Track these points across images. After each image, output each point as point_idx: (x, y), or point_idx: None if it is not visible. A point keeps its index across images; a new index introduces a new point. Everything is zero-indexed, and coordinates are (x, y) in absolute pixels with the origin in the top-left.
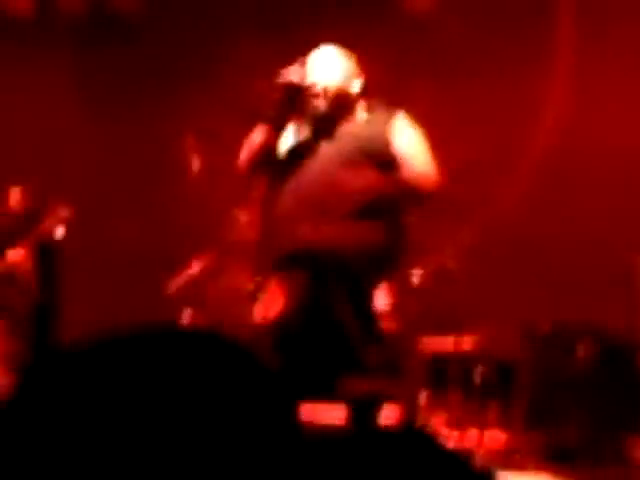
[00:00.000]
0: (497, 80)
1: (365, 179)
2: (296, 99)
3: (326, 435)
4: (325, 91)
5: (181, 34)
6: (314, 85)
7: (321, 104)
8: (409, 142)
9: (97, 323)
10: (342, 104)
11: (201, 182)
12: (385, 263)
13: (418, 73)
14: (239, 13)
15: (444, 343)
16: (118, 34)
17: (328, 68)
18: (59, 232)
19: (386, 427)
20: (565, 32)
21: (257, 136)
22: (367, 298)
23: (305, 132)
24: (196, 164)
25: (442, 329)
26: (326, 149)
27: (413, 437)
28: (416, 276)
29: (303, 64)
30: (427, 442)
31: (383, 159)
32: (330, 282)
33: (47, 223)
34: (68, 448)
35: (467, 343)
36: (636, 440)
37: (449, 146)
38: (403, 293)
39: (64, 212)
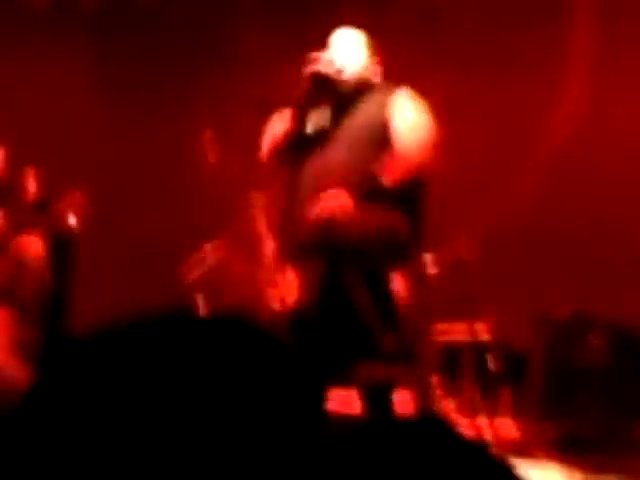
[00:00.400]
0: (514, 71)
1: (367, 164)
2: (323, 87)
3: (343, 422)
4: (351, 77)
5: (200, 21)
6: (340, 71)
7: (345, 90)
8: (404, 119)
9: (110, 310)
10: (364, 89)
11: (217, 170)
12: (401, 249)
13: (435, 64)
14: (258, 1)
15: (458, 330)
16: (136, 22)
17: (353, 53)
18: (72, 219)
19: (403, 415)
20: (582, 24)
21: (280, 124)
22: (384, 284)
23: (325, 117)
24: (213, 152)
25: (456, 316)
26: (343, 134)
27: (431, 425)
28: (431, 263)
29: (328, 51)
30: (445, 430)
31: (383, 138)
32: (346, 268)
33: (60, 209)
34: (92, 439)
35: (481, 331)
36: None
37: (466, 136)
38: (418, 280)
39: (78, 199)
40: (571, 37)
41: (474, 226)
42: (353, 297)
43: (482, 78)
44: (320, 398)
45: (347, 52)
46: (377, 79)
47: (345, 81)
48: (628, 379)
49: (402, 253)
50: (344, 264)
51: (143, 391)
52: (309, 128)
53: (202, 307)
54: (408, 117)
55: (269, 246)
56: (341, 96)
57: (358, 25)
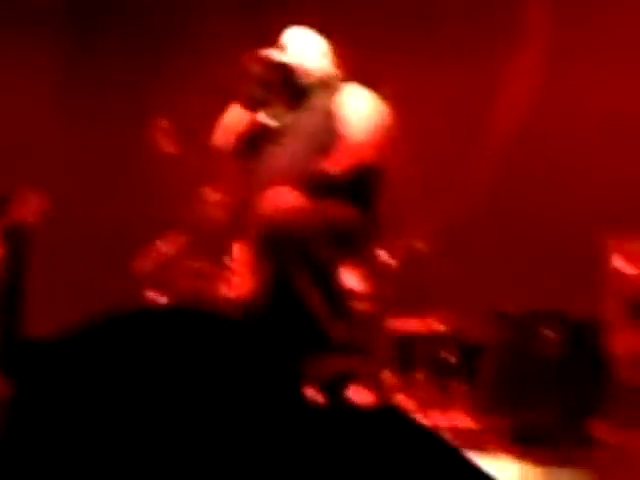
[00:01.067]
0: (467, 59)
1: (316, 157)
2: (277, 80)
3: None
4: (305, 72)
5: (155, 11)
6: (292, 64)
7: (300, 84)
8: (351, 108)
9: (65, 306)
10: (316, 84)
11: (172, 161)
12: (351, 242)
13: (389, 53)
14: None
15: (411, 323)
16: (89, 11)
17: (308, 49)
18: (32, 219)
19: (357, 405)
20: (535, 9)
21: (233, 116)
22: (331, 276)
23: (278, 112)
24: (169, 146)
25: (410, 309)
26: (295, 129)
27: (388, 414)
28: (385, 256)
29: (283, 46)
30: (401, 419)
31: (334, 132)
32: (293, 262)
33: (20, 210)
34: (75, 443)
35: (434, 324)
36: (601, 423)
37: (422, 127)
38: (372, 273)
39: (37, 199)
40: (523, 22)
41: (430, 218)
42: (302, 291)
43: (436, 68)
44: (297, 390)
45: (299, 47)
46: (331, 75)
47: (297, 75)
48: (580, 372)
49: (353, 245)
50: (290, 259)
51: (122, 392)
52: (263, 122)
53: (155, 301)
54: (355, 106)
55: (224, 241)
56: (294, 90)
57: (314, 19)
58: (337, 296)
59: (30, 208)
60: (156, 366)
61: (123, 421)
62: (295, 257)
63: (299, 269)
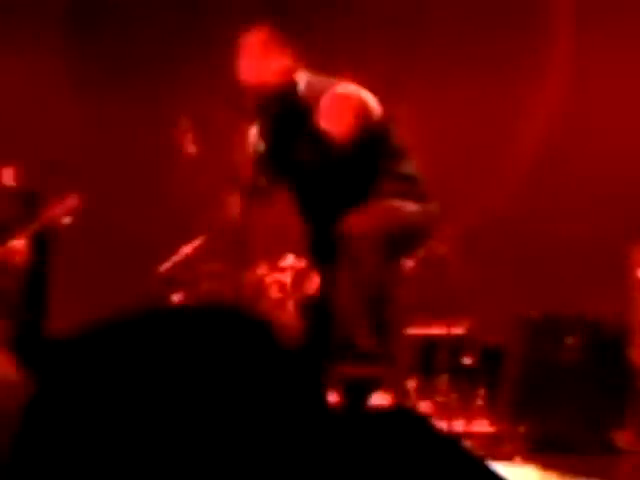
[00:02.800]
0: (494, 71)
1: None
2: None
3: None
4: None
5: (176, 16)
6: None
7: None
8: (326, 107)
9: (91, 305)
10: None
11: (193, 165)
12: (396, 247)
13: (415, 64)
14: None
15: (434, 330)
16: (111, 14)
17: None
18: (66, 221)
19: (378, 410)
20: (561, 24)
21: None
22: (376, 283)
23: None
24: (190, 147)
25: (432, 315)
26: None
27: (405, 418)
28: (407, 261)
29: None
30: (419, 423)
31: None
32: (336, 265)
33: (55, 212)
34: (101, 441)
35: (456, 330)
36: (623, 430)
37: (446, 135)
38: (395, 278)
39: (73, 201)
40: (549, 36)
41: (453, 224)
42: (340, 295)
43: (462, 78)
44: (319, 393)
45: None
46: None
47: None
48: (602, 380)
49: (397, 250)
50: (334, 259)
51: (145, 391)
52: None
53: (177, 301)
54: (335, 103)
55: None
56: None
57: (332, 29)
58: (377, 303)
59: (65, 208)
60: (171, 367)
61: (139, 421)
62: (341, 259)
63: (344, 272)
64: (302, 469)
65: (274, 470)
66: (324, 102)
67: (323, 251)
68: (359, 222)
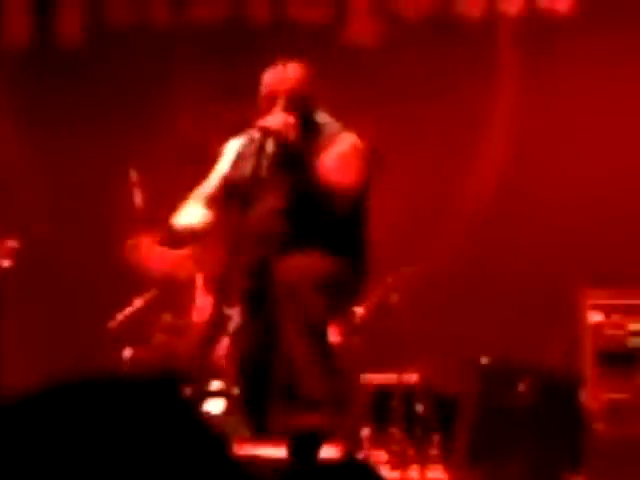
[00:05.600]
0: (436, 128)
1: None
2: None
3: (267, 470)
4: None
5: (126, 66)
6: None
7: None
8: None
9: (38, 358)
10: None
11: (143, 216)
12: (344, 296)
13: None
14: (184, 50)
15: (386, 378)
16: (62, 65)
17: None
18: (5, 264)
19: (328, 460)
20: (506, 74)
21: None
22: (324, 332)
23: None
24: (138, 200)
25: (384, 364)
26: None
27: (355, 470)
28: (359, 310)
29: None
30: (369, 474)
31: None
32: (284, 313)
33: None
34: None
35: (409, 378)
36: (577, 475)
37: (394, 182)
38: (347, 328)
39: (12, 244)
40: (495, 85)
41: (401, 273)
42: (290, 344)
43: (413, 124)
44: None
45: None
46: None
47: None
48: (555, 425)
49: (346, 299)
50: (283, 309)
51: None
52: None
53: (127, 355)
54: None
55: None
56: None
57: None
58: (329, 352)
59: (7, 255)
60: (91, 441)
61: None
62: (289, 308)
63: (293, 321)
64: None
65: None
66: (334, 152)
67: (257, 298)
68: (297, 266)
